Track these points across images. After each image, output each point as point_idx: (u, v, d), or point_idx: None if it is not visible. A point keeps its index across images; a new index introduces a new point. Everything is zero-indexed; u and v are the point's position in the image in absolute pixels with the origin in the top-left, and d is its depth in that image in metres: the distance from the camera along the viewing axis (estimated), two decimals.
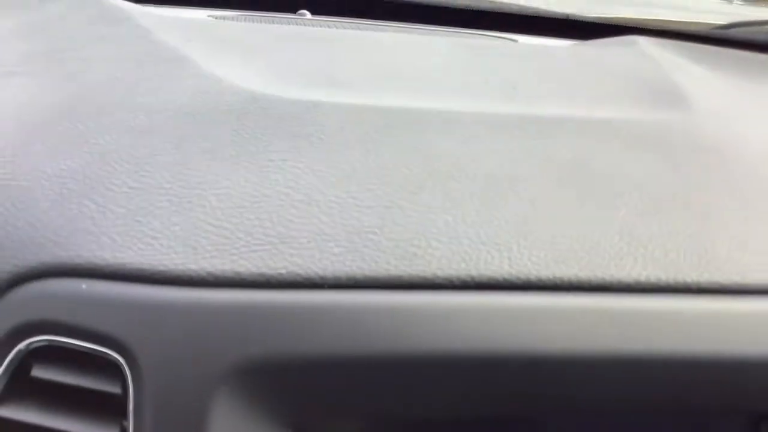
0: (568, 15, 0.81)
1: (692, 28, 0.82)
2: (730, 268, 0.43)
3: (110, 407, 0.39)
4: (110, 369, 0.39)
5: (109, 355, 0.39)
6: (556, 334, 0.41)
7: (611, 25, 0.81)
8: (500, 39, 0.79)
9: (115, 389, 0.39)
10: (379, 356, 0.39)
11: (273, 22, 0.76)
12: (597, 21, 0.82)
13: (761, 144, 0.53)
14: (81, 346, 0.39)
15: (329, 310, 0.39)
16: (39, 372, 0.39)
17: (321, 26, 0.75)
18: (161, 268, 0.39)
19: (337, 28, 0.74)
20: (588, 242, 0.43)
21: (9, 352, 0.39)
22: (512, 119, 0.50)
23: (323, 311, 0.39)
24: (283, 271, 0.39)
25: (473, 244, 0.42)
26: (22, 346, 0.39)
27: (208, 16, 0.76)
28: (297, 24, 0.76)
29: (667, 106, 0.54)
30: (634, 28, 0.80)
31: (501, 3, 0.83)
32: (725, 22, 0.84)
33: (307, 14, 0.81)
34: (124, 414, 0.39)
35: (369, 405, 0.40)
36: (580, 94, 0.56)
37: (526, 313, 0.41)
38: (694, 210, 0.46)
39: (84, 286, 0.39)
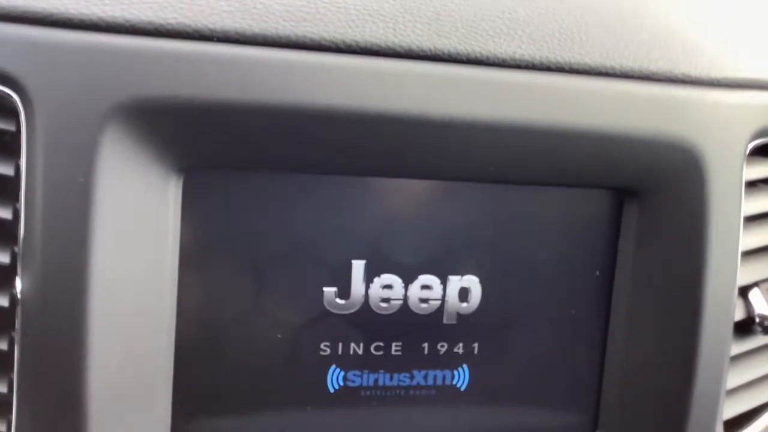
0: None
1: None
2: (599, 52, 0.46)
3: (4, 145, 0.42)
4: (4, 109, 0.41)
5: (3, 92, 0.40)
6: (434, 98, 0.44)
7: None
8: None
9: (10, 126, 0.41)
10: (262, 106, 0.42)
11: None
12: None
13: None
14: None
15: (216, 60, 0.41)
16: None
17: None
18: (53, 11, 0.40)
19: None
20: (470, 21, 0.45)
21: None
22: None
23: (210, 61, 0.41)
24: (173, 21, 0.41)
25: (360, 15, 0.44)
26: None
27: None
28: None
29: None
30: None
31: None
32: None
33: None
34: (17, 152, 0.41)
35: (248, 153, 0.43)
36: None
37: (407, 78, 0.43)
38: (574, 3, 0.48)
39: None
